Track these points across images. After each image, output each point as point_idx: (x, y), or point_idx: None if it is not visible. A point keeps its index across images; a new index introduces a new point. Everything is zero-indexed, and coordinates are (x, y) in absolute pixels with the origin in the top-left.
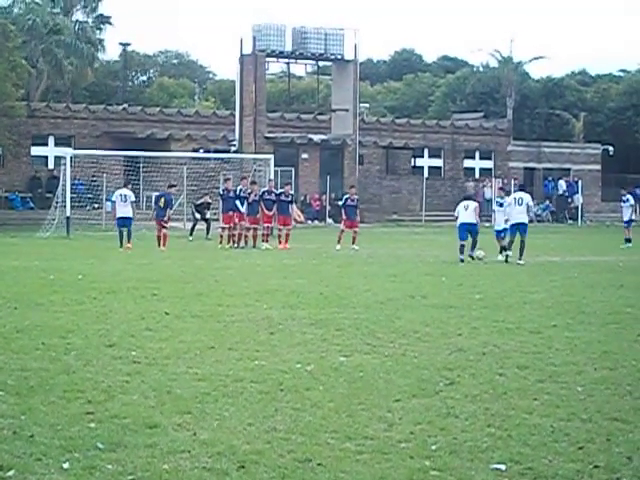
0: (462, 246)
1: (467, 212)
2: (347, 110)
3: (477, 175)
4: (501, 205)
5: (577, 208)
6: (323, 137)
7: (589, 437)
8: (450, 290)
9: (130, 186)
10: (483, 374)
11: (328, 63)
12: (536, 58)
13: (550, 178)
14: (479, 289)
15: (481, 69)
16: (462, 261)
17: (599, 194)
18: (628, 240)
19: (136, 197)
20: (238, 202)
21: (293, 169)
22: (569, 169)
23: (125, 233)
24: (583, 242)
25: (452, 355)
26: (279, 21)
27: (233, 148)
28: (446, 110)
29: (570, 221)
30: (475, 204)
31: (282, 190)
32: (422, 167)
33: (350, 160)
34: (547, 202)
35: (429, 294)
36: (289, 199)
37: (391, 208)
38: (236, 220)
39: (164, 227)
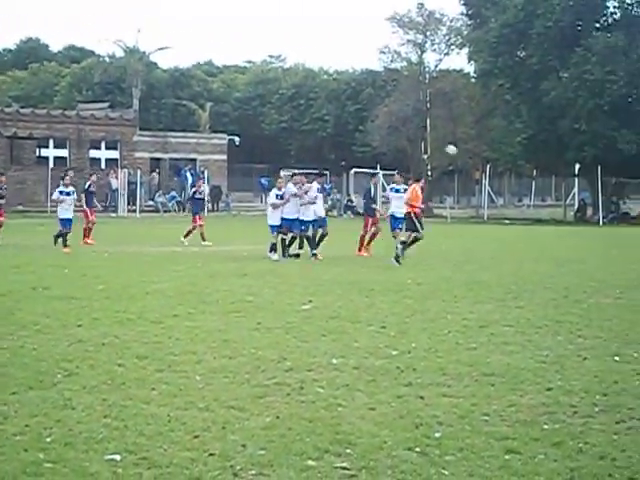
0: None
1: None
2: None
3: (103, 165)
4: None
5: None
6: None
7: (205, 425)
8: (73, 281)
9: None
10: (102, 365)
11: None
12: (161, 48)
13: (189, 168)
14: (102, 280)
15: (107, 59)
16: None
17: (225, 184)
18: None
19: None
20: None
21: None
22: (195, 159)
23: None
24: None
25: (71, 346)
26: None
27: None
28: (72, 100)
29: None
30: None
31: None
32: (47, 157)
33: None
34: (173, 192)
35: (52, 285)
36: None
37: (16, 199)
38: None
39: None
